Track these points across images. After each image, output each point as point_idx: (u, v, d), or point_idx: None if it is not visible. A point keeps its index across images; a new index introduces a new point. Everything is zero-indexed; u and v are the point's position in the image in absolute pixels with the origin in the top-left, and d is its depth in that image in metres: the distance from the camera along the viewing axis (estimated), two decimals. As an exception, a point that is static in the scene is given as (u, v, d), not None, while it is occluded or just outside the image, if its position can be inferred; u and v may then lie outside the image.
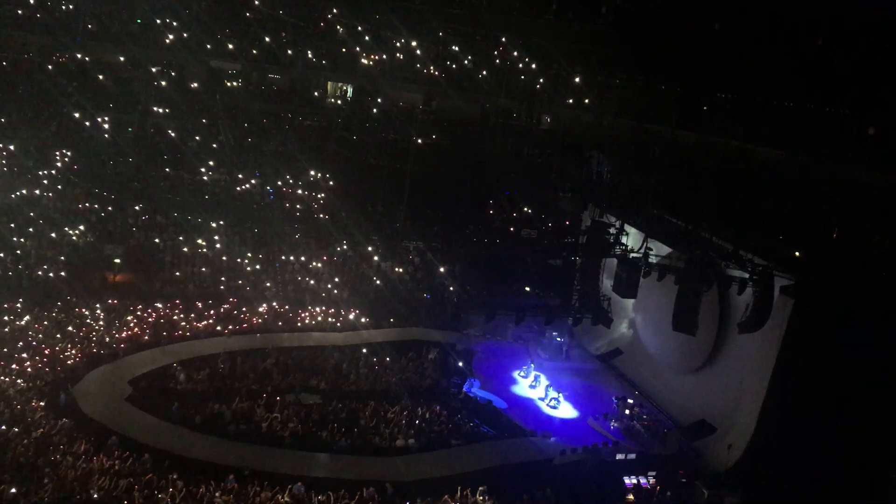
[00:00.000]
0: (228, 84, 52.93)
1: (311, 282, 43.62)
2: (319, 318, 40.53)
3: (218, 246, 44.17)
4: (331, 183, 49.33)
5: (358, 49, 53.40)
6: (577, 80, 52.37)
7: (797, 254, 32.05)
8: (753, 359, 31.51)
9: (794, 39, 36.12)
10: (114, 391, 30.47)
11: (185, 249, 43.93)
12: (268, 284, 42.26)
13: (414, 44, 52.57)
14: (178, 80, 51.36)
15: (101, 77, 49.76)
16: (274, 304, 40.68)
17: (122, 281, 41.19)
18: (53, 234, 41.49)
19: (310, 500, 25.05)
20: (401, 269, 46.20)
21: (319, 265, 44.44)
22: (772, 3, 35.95)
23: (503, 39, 52.57)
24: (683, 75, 43.60)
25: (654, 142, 45.01)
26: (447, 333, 41.23)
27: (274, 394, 32.17)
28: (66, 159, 44.80)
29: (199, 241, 43.88)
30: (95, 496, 23.43)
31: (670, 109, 44.53)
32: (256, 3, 51.38)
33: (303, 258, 44.50)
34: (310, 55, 54.31)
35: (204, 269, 42.84)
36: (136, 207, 45.60)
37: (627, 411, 34.79)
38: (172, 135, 48.42)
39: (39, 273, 38.86)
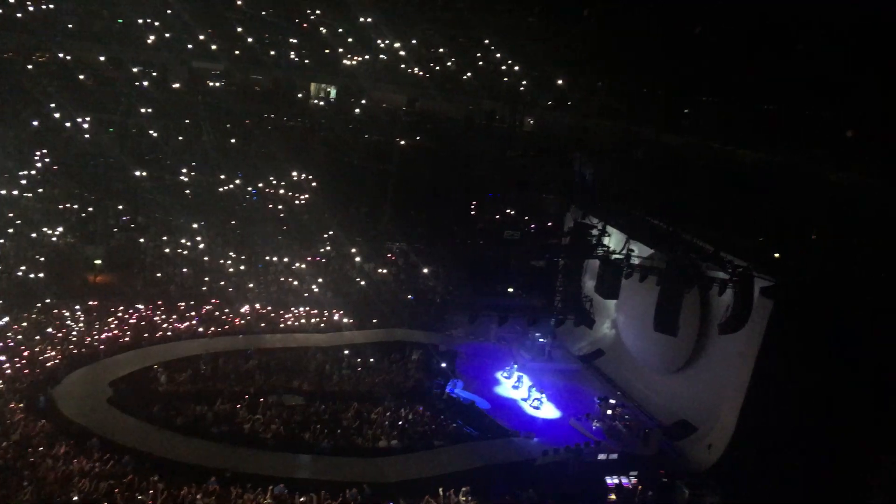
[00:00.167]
0: (211, 84, 52.65)
1: (294, 283, 43.49)
2: (302, 320, 40.39)
3: (200, 247, 43.94)
4: (314, 184, 49.23)
5: (341, 50, 53.33)
6: (560, 82, 52.56)
7: (777, 255, 32.33)
8: (734, 359, 31.72)
9: (777, 43, 36.41)
10: (94, 393, 30.18)
11: (167, 250, 43.69)
12: (250, 285, 42.10)
13: (398, 45, 52.59)
14: (160, 80, 51.04)
15: (82, 77, 49.39)
16: (256, 305, 40.51)
17: (103, 282, 40.91)
18: (34, 235, 41.16)
19: (292, 502, 24.94)
20: (384, 270, 46.17)
21: (302, 266, 44.33)
22: (755, 7, 36.21)
23: (487, 41, 52.70)
24: (666, 78, 43.90)
25: (637, 144, 45.31)
26: (430, 334, 41.20)
27: (256, 395, 31.98)
28: (47, 159, 44.45)
29: (181, 241, 43.63)
30: (76, 498, 23.21)
31: (653, 112, 44.83)
32: (239, 3, 51.19)
33: (286, 259, 44.38)
34: (293, 56, 54.17)
35: (186, 270, 42.60)
36: (118, 208, 45.29)
37: (609, 411, 34.93)
38: (154, 135, 48.16)
39: (19, 274, 38.53)
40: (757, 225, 34.38)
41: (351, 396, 33.24)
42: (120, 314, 37.39)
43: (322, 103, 57.98)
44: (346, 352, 37.46)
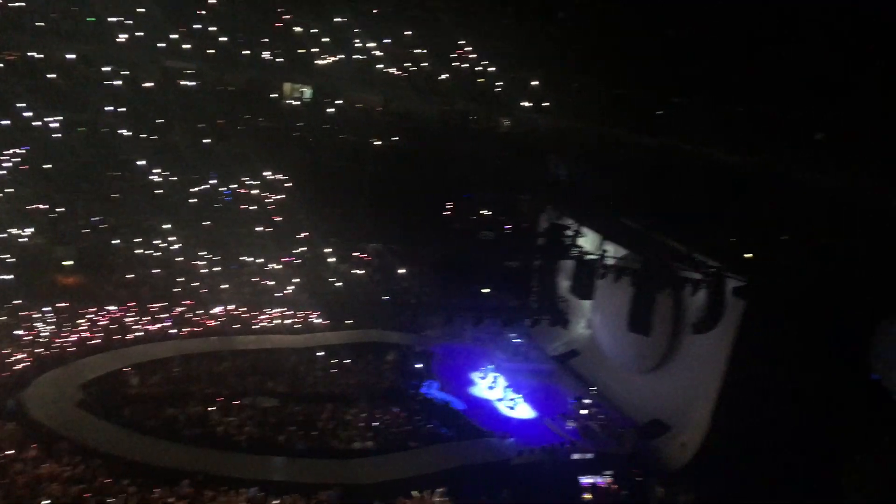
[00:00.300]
0: (183, 84, 52.14)
1: (269, 284, 43.23)
2: (277, 321, 40.16)
3: (173, 248, 43.55)
4: (288, 184, 48.98)
5: (316, 50, 53.09)
6: (535, 83, 52.72)
7: (749, 256, 32.65)
8: (707, 358, 31.98)
9: (750, 44, 36.74)
10: (65, 396, 29.70)
11: (139, 251, 43.22)
12: (224, 286, 41.77)
13: (373, 45, 52.45)
14: (131, 79, 50.48)
15: (51, 75, 48.70)
16: (230, 306, 40.22)
17: (73, 283, 40.32)
18: (2, 236, 40.49)
19: (266, 504, 24.84)
20: (359, 271, 46.03)
21: (277, 267, 44.09)
22: (728, 8, 36.52)
23: (463, 42, 52.72)
24: (641, 80, 44.15)
25: (611, 145, 45.53)
26: (406, 335, 41.13)
27: (230, 397, 31.73)
28: (15, 159, 43.78)
29: (154, 242, 43.21)
30: (46, 503, 22.91)
31: (627, 114, 45.07)
32: (212, 1, 50.77)
33: (260, 260, 44.10)
34: (267, 56, 53.82)
35: (158, 271, 42.17)
36: (88, 209, 44.73)
37: (584, 411, 35.09)
38: (126, 135, 47.61)
39: (-13, 275, 37.97)
40: (729, 226, 34.68)
41: (326, 398, 33.12)
42: (91, 316, 36.85)
43: (296, 103, 57.67)
44: (321, 353, 37.31)
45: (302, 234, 46.21)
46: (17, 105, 44.72)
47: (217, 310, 39.64)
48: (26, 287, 37.69)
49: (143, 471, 25.39)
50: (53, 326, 35.24)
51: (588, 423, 34.30)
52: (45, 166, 43.95)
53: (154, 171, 46.29)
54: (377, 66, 53.65)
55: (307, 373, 35.37)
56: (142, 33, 49.63)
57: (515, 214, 51.18)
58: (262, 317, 40.16)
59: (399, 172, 48.35)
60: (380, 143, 50.80)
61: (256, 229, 45.79)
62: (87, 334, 35.20)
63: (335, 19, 51.25)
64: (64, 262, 40.59)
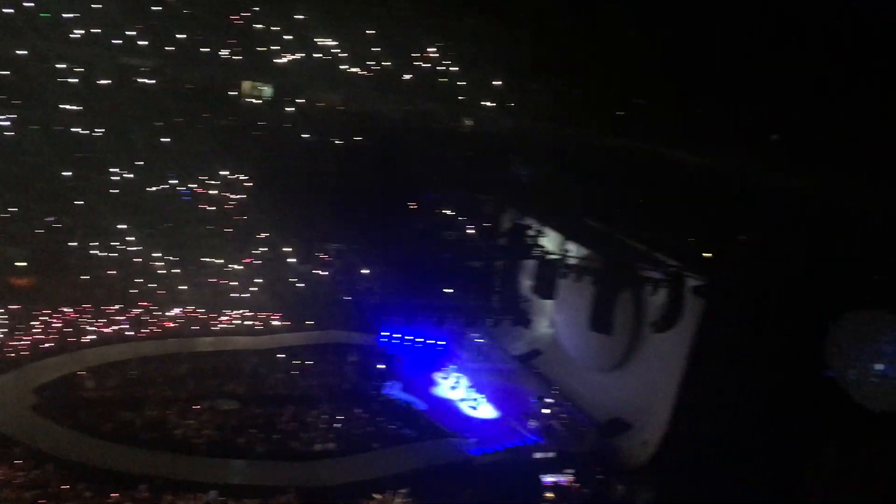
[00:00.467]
0: (140, 81, 51.29)
1: (228, 284, 42.75)
2: (237, 322, 39.73)
3: (130, 248, 42.84)
4: (248, 184, 48.48)
5: (276, 48, 52.58)
6: (498, 83, 52.84)
7: (707, 256, 33.08)
8: (667, 357, 32.35)
9: (711, 46, 37.17)
10: (18, 399, 29.14)
11: (95, 252, 42.44)
12: (182, 287, 41.20)
13: (334, 44, 52.11)
14: (86, 76, 49.52)
15: (3, 72, 47.58)
16: (189, 307, 39.67)
17: (26, 285, 39.48)
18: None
19: (226, 508, 24.55)
20: (321, 272, 45.73)
21: (237, 267, 43.62)
22: (689, 9, 36.88)
23: (425, 42, 52.63)
24: (602, 81, 44.49)
25: (573, 146, 45.79)
26: (368, 336, 40.99)
27: (188, 400, 31.35)
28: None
29: (110, 243, 42.47)
30: (-3, 510, 22.45)
31: (588, 115, 45.38)
32: (169, -2, 50.04)
33: (219, 260, 43.59)
34: (226, 53, 53.18)
35: (113, 272, 41.46)
36: (42, 208, 43.80)
37: (546, 411, 35.25)
38: (81, 133, 46.69)
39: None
40: (688, 226, 35.11)
41: (286, 400, 32.86)
42: (44, 318, 36.19)
43: (257, 102, 57.09)
44: (282, 355, 37.01)
45: (262, 235, 45.77)
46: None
47: (175, 311, 39.11)
48: (-23, 289, 36.84)
49: (100, 475, 25.05)
50: (6, 329, 34.47)
51: (550, 423, 34.50)
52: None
53: (110, 170, 45.45)
54: (339, 65, 53.32)
55: (268, 375, 35.07)
56: (97, 29, 48.69)
57: (478, 214, 51.23)
58: (222, 318, 39.69)
59: (361, 172, 48.10)
60: (341, 142, 50.49)
61: (216, 229, 45.22)
62: (41, 336, 34.48)
63: (296, 17, 50.82)
64: (16, 263, 39.67)
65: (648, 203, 36.31)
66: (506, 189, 45.92)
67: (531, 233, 39.44)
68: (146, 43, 49.83)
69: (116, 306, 38.53)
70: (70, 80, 48.14)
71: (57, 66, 48.11)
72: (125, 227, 41.83)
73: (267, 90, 55.36)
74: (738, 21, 34.51)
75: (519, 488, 29.23)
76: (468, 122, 57.02)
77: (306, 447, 29.30)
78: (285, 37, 51.97)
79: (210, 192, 47.86)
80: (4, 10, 47.47)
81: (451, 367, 39.27)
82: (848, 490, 25.87)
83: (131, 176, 45.86)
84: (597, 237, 37.06)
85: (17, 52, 47.86)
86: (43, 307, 37.10)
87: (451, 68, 51.98)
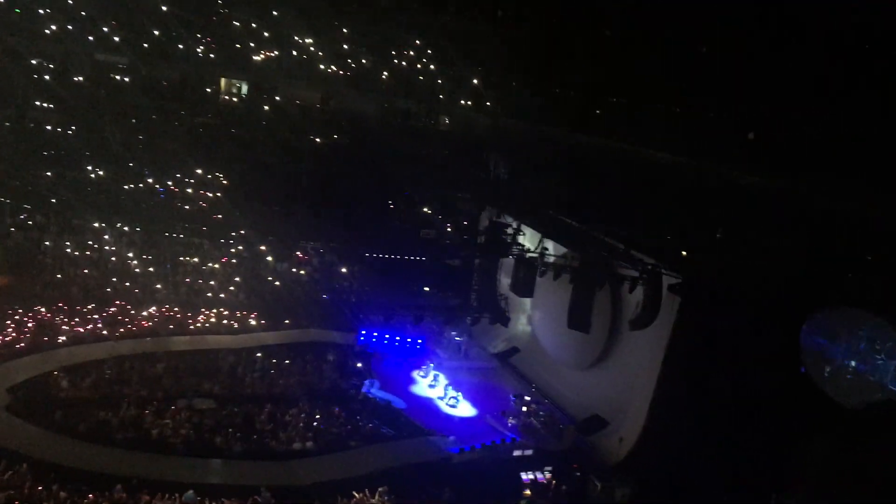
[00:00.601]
0: (115, 78, 50.74)
1: (205, 283, 42.43)
2: (213, 321, 39.45)
3: (105, 247, 42.40)
4: (224, 182, 48.14)
5: (253, 45, 52.25)
6: (475, 81, 52.88)
7: (684, 254, 33.31)
8: (644, 354, 32.58)
9: (687, 45, 37.40)
10: (-10, 400, 28.75)
11: (69, 250, 41.95)
12: (158, 286, 40.84)
13: (311, 41, 51.87)
14: (60, 73, 48.91)
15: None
16: (165, 306, 39.33)
17: (-1, 284, 39.03)
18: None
19: (203, 508, 24.36)
20: (298, 270, 45.53)
21: (213, 266, 43.31)
22: (665, 9, 37.08)
23: (402, 39, 52.55)
24: (578, 80, 44.67)
25: (551, 144, 45.93)
26: (346, 334, 40.87)
27: (165, 400, 31.06)
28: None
29: (84, 241, 42.00)
30: (-30, 512, 22.10)
31: (565, 113, 45.55)
32: (145, -6, 49.53)
33: (196, 259, 43.26)
34: (202, 50, 52.76)
35: (88, 271, 41.02)
36: (15, 207, 43.24)
37: (525, 408, 35.34)
38: (55, 130, 46.12)
39: None
40: (665, 224, 35.32)
41: (264, 399, 32.66)
42: (18, 317, 35.70)
43: (233, 99, 56.71)
44: (259, 353, 36.80)
45: (239, 233, 45.46)
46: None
47: (151, 310, 38.75)
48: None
49: (75, 476, 24.75)
50: (-22, 329, 33.99)
51: (528, 420, 34.60)
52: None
53: (85, 167, 44.93)
54: (316, 63, 53.10)
55: (245, 374, 34.81)
56: (71, 25, 48.12)
57: (455, 212, 51.27)
58: (199, 317, 39.39)
59: (338, 170, 47.96)
60: (319, 140, 50.29)
61: (192, 228, 44.84)
62: (14, 336, 34.01)
63: (273, 14, 50.52)
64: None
65: (626, 201, 36.46)
66: (484, 187, 45.96)
67: (509, 230, 39.50)
68: (121, 39, 49.32)
69: (91, 305, 38.05)
70: (44, 76, 47.52)
71: (30, 62, 47.48)
72: (100, 225, 41.34)
73: (243, 88, 55.04)
74: (713, 19, 34.76)
75: (497, 486, 29.30)
76: (446, 120, 57.08)
77: (284, 446, 29.16)
78: (262, 34, 51.66)
79: (186, 190, 47.47)
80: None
81: (429, 365, 39.25)
82: (825, 486, 26.14)
83: (106, 174, 45.37)
84: (575, 235, 37.19)
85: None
86: (16, 306, 36.58)
87: (428, 66, 51.94)
